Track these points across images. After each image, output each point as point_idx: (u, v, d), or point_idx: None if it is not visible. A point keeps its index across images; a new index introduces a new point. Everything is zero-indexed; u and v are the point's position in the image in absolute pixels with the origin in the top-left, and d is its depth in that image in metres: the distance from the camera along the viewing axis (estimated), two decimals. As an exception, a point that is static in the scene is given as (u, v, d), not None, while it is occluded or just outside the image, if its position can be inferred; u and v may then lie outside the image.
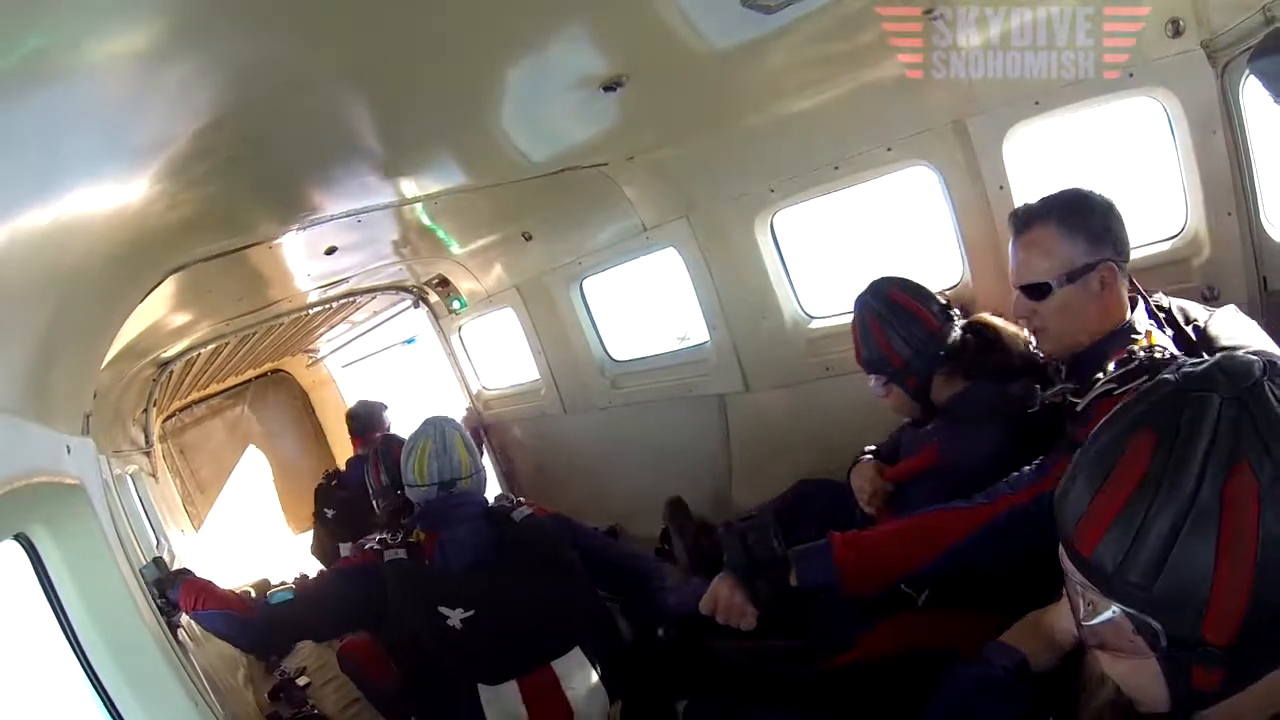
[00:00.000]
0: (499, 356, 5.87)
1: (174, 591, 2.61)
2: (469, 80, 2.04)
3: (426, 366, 6.83)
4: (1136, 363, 1.78)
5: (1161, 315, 2.02)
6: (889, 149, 2.83)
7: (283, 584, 2.66)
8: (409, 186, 3.03)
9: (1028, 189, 2.59)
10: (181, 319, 3.91)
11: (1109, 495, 0.92)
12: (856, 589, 1.90)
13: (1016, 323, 2.27)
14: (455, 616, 2.46)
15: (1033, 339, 2.18)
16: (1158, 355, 1.77)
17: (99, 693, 1.94)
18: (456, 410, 6.00)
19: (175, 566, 3.04)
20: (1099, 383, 1.82)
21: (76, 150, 1.43)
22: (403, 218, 3.68)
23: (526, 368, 5.31)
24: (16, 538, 1.85)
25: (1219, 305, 2.26)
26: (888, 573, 1.93)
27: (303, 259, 3.74)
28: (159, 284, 2.76)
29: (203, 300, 3.70)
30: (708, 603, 1.94)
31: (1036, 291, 2.03)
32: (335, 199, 2.87)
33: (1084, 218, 1.98)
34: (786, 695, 2.26)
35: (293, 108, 1.84)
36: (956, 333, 2.40)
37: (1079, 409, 1.87)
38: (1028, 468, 1.88)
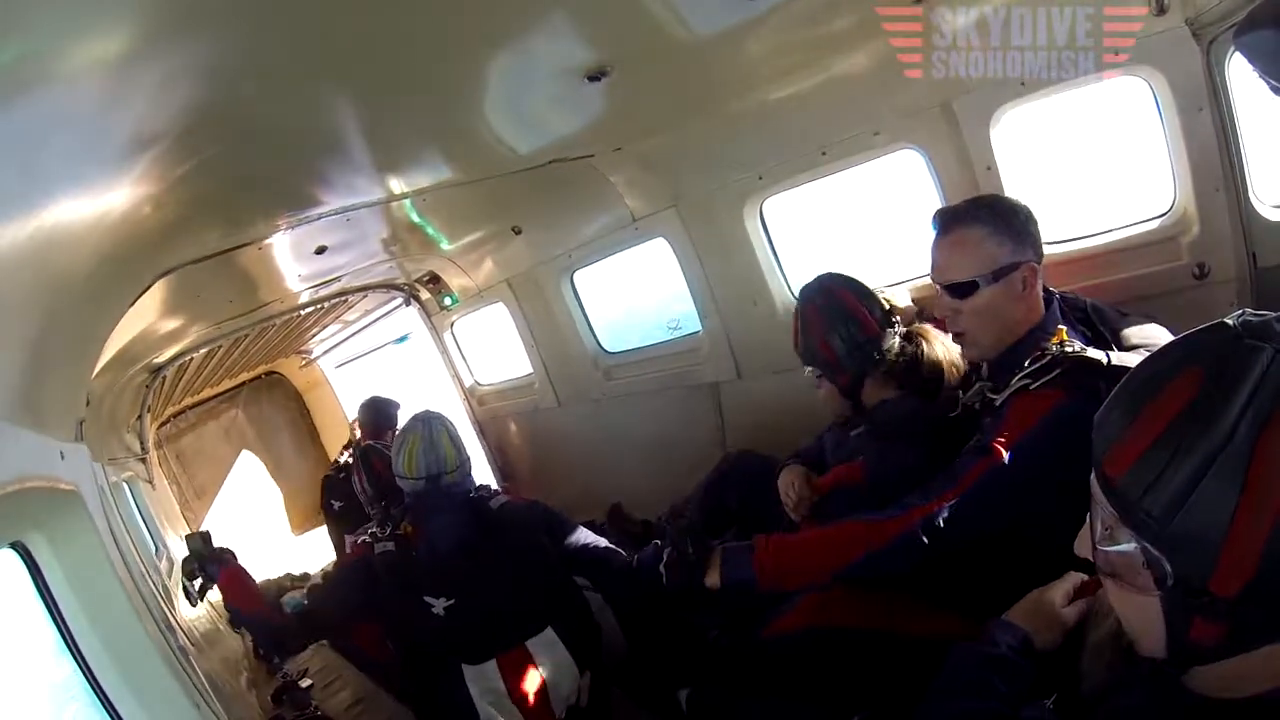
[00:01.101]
0: (492, 351, 5.86)
1: (213, 568, 2.88)
2: (452, 74, 2.03)
3: (420, 364, 6.82)
4: (1050, 358, 1.87)
5: (1076, 315, 2.10)
6: (876, 133, 2.83)
7: (295, 586, 2.95)
8: (396, 183, 3.02)
9: (1017, 170, 2.59)
10: (172, 323, 3.89)
11: (1144, 425, 0.92)
12: (769, 588, 2.06)
13: (940, 321, 2.32)
14: (439, 605, 2.72)
15: (957, 347, 2.25)
16: (1069, 350, 1.85)
17: (101, 700, 1.94)
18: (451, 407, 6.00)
19: (174, 572, 3.10)
20: (1015, 379, 1.91)
21: (59, 155, 1.42)
22: (391, 215, 3.67)
23: (519, 362, 5.31)
24: (13, 546, 1.85)
25: (1210, 283, 2.30)
26: (801, 577, 2.08)
27: (292, 259, 3.72)
28: (148, 288, 2.74)
29: (193, 303, 3.69)
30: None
31: (961, 290, 2.07)
32: (322, 197, 2.85)
33: (1008, 219, 2.03)
34: (720, 664, 2.46)
35: (275, 106, 1.83)
36: (895, 341, 2.42)
37: (997, 404, 1.95)
38: (941, 475, 1.95)
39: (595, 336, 4.67)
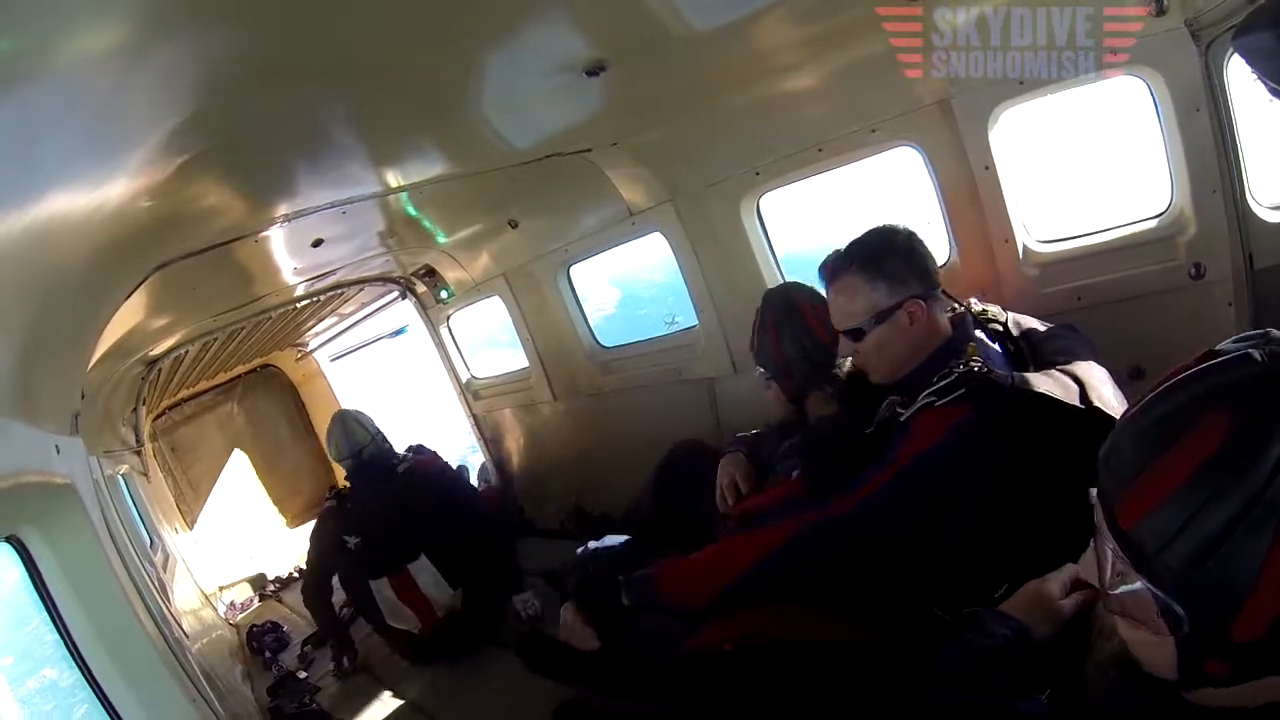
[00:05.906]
0: (488, 346, 5.85)
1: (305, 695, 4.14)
2: (450, 67, 2.02)
3: (417, 358, 6.80)
4: (955, 375, 1.91)
5: (998, 326, 2.16)
6: (873, 130, 2.82)
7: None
8: (393, 176, 3.01)
9: (1015, 168, 2.59)
10: (168, 316, 3.87)
11: (1165, 471, 0.86)
12: (678, 604, 2.16)
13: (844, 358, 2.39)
14: (352, 541, 4.19)
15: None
16: (975, 368, 1.90)
17: (96, 693, 1.94)
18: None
19: (170, 565, 3.12)
20: (922, 395, 1.96)
21: (54, 150, 1.41)
22: (388, 208, 3.66)
23: (515, 356, 5.30)
24: (8, 540, 1.85)
25: (1205, 283, 2.30)
26: (705, 587, 2.12)
27: (289, 252, 3.71)
28: (143, 281, 2.73)
29: (189, 296, 3.67)
30: (560, 631, 2.31)
31: (851, 335, 2.15)
32: (319, 190, 2.85)
33: (882, 263, 2.08)
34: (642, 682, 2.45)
35: (271, 99, 1.82)
36: (847, 364, 2.45)
37: (902, 420, 1.99)
38: (842, 485, 2.01)
39: (591, 331, 4.67)
